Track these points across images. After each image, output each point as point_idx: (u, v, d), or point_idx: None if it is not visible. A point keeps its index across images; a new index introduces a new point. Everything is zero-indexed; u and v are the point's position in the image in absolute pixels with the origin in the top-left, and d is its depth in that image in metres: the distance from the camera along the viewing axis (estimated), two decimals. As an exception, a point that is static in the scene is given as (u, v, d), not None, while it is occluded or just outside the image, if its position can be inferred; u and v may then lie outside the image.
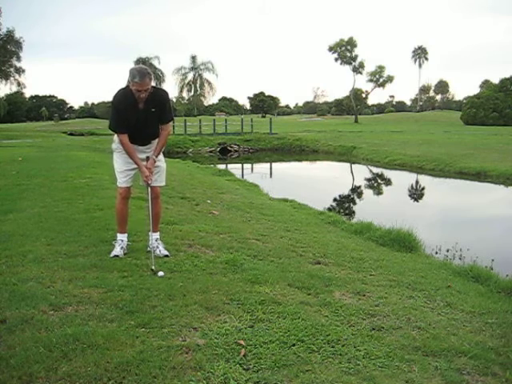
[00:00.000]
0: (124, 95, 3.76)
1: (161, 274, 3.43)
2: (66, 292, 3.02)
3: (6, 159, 12.15)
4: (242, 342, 2.48)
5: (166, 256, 3.92)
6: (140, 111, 3.77)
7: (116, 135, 3.93)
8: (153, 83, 3.79)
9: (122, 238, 4.02)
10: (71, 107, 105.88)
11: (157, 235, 4.07)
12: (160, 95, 3.88)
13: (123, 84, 3.88)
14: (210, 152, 29.09)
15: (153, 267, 3.48)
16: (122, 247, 3.94)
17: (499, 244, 7.82)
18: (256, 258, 4.20)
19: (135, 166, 3.91)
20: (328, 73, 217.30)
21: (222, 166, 20.35)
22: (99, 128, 43.09)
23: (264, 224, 6.11)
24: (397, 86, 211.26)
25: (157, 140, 3.98)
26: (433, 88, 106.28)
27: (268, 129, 33.96)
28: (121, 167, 3.99)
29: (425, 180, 17.49)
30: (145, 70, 3.71)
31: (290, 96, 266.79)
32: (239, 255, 4.13)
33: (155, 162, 3.92)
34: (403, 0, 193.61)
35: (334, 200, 12.96)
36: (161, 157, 4.06)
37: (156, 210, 4.07)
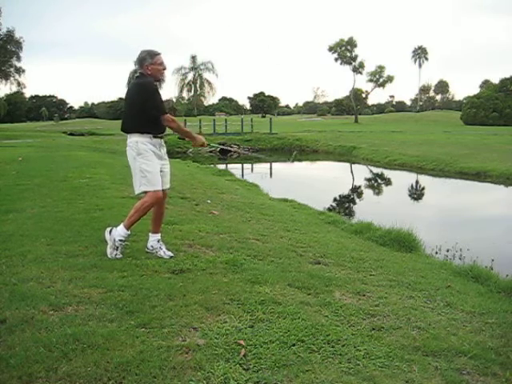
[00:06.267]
0: (153, 82, 3.78)
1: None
2: (66, 292, 3.02)
3: (5, 159, 12.14)
4: (241, 342, 2.48)
5: (171, 257, 3.91)
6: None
7: (133, 136, 3.77)
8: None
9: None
10: (71, 107, 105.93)
11: (158, 236, 4.05)
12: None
13: (124, 84, 3.94)
14: (210, 152, 29.08)
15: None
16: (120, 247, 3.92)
17: (499, 244, 7.81)
18: (256, 258, 4.19)
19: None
20: (328, 73, 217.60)
21: (222, 166, 20.35)
22: (99, 128, 43.10)
23: (264, 224, 6.11)
24: (397, 85, 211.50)
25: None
26: (433, 88, 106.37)
27: (268, 129, 33.94)
28: (156, 167, 3.80)
29: (425, 180, 17.49)
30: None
31: (290, 96, 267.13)
32: (239, 255, 4.13)
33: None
34: (403, 0, 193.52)
35: (334, 200, 12.96)
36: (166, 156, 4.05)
37: (162, 210, 4.07)
